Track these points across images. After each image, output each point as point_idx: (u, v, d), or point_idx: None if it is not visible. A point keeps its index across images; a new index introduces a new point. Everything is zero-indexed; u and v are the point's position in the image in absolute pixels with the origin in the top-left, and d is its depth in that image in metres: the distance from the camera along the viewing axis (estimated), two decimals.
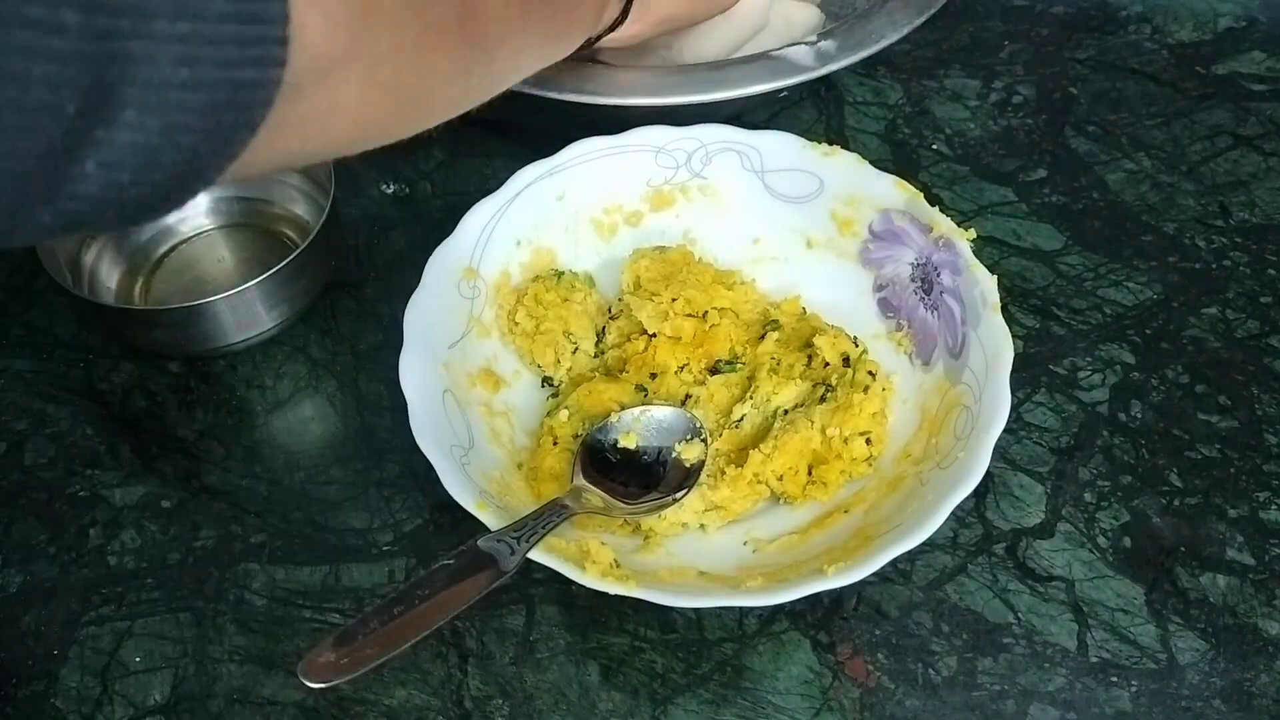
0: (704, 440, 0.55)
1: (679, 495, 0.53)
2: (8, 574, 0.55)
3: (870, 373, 0.56)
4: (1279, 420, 0.59)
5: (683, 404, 0.57)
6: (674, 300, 0.58)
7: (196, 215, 0.68)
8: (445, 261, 0.58)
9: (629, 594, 0.47)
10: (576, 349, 0.59)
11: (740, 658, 0.51)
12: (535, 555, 0.47)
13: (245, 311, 0.59)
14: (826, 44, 0.63)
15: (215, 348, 0.61)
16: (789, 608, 0.52)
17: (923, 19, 0.64)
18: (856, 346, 0.58)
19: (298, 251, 0.59)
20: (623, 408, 0.56)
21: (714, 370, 0.58)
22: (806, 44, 0.63)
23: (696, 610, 0.52)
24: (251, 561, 0.55)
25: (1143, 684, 0.51)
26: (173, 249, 0.67)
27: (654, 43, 0.64)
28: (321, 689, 0.50)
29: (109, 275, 0.65)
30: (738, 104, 0.63)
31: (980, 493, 0.56)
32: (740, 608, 0.53)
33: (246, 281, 0.58)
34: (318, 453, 0.59)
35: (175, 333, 0.59)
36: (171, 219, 0.67)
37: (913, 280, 0.59)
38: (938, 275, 0.58)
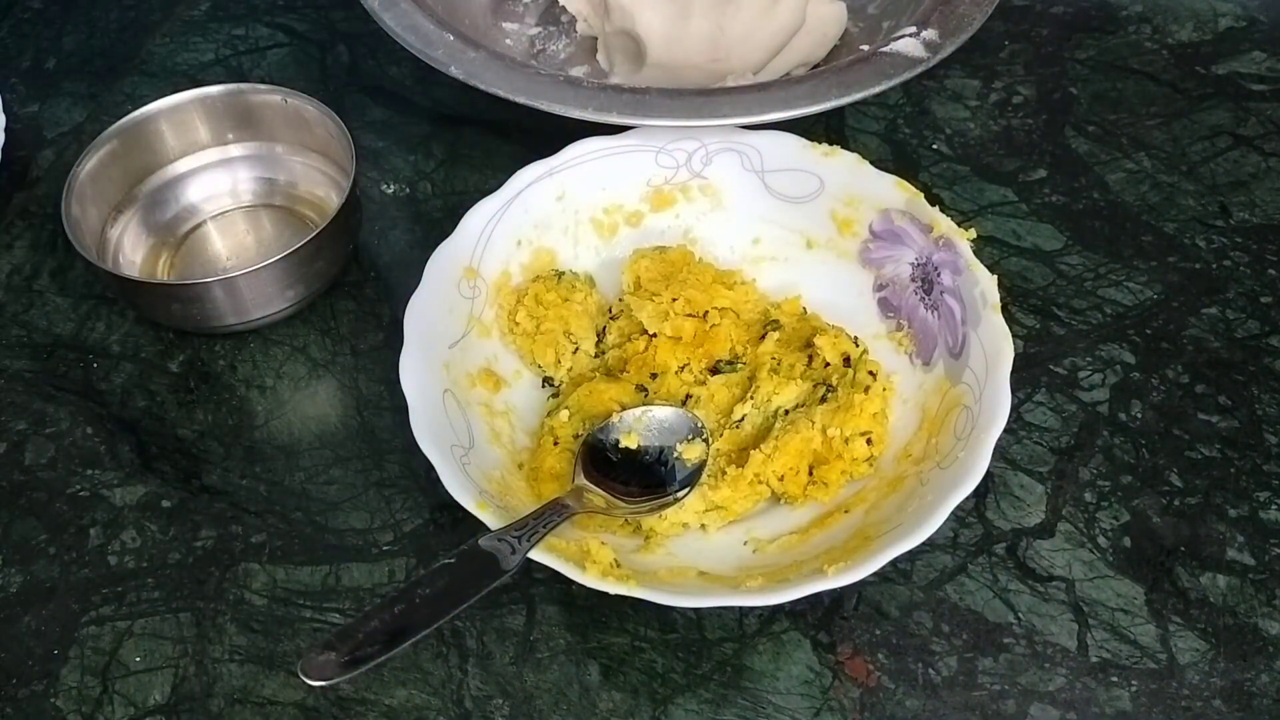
0: (705, 440, 0.55)
1: (680, 495, 0.53)
2: (8, 574, 0.55)
3: (871, 373, 0.56)
4: (1279, 420, 0.59)
5: (683, 404, 0.57)
6: (674, 300, 0.58)
7: (221, 195, 0.69)
8: (445, 261, 0.58)
9: (629, 594, 0.46)
10: (577, 349, 0.59)
11: (740, 658, 0.51)
12: (535, 555, 0.47)
13: (263, 289, 0.60)
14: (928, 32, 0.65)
15: (234, 324, 0.61)
16: (789, 608, 0.52)
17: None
18: (857, 346, 0.58)
19: (315, 233, 0.59)
20: (623, 408, 0.56)
21: (714, 370, 0.58)
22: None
23: (696, 610, 0.52)
24: (251, 561, 0.55)
25: (1143, 684, 0.51)
26: (197, 226, 0.68)
27: (700, 48, 0.66)
28: (322, 688, 0.50)
29: (134, 250, 0.66)
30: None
31: (980, 493, 0.56)
32: (740, 608, 0.53)
33: (266, 259, 0.58)
34: (318, 453, 0.59)
35: (193, 307, 0.60)
36: (197, 198, 0.69)
37: (913, 280, 0.59)
38: (938, 275, 0.57)
